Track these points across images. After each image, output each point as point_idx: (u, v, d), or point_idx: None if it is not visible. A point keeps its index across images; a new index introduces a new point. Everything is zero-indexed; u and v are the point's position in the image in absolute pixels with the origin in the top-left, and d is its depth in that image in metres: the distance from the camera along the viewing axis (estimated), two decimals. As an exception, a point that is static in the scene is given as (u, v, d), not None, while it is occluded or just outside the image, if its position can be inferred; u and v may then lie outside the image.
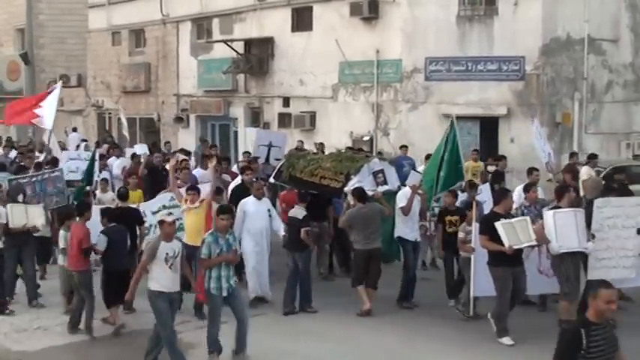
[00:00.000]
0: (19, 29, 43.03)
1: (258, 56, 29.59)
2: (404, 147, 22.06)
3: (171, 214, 11.02)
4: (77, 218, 12.29)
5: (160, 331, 10.22)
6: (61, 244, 12.55)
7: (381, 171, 14.93)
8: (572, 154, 20.82)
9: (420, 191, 13.88)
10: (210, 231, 10.87)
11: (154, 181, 17.26)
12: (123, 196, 13.71)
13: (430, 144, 22.70)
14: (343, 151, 16.97)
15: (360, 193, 13.19)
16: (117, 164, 20.12)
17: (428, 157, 19.76)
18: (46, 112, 15.94)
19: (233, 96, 31.21)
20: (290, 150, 17.24)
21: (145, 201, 14.97)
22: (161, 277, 10.14)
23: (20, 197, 14.01)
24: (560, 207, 11.78)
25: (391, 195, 14.22)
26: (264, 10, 29.68)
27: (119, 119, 23.85)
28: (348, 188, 14.08)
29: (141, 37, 36.35)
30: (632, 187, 18.50)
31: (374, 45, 26.19)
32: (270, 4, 29.46)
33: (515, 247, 11.21)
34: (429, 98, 25.17)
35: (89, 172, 16.41)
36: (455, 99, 24.67)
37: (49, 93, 16.38)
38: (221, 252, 10.45)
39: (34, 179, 15.44)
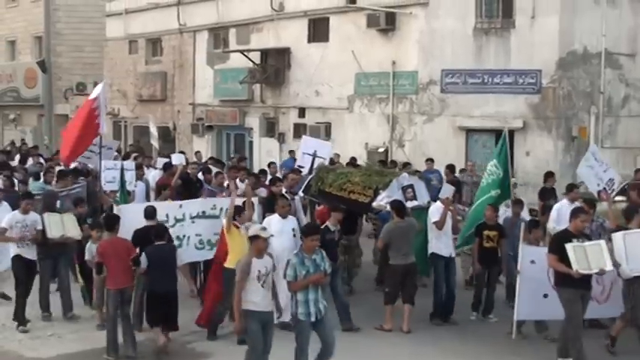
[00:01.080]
0: (36, 37, 43.32)
1: (274, 66, 29.68)
2: (429, 160, 21.80)
3: (264, 229, 10.04)
4: (107, 233, 11.71)
5: (248, 354, 9.79)
6: (87, 257, 12.34)
7: (411, 186, 14.77)
8: (638, 171, 20.33)
9: (451, 207, 13.59)
10: (295, 252, 10.17)
11: (187, 192, 16.38)
12: (150, 214, 12.60)
13: (445, 156, 22.85)
14: (371, 164, 16.96)
15: (398, 207, 13.04)
16: (152, 176, 19.52)
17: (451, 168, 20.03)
18: (102, 116, 15.48)
19: (249, 106, 31.28)
20: (319, 163, 16.76)
21: None
22: (253, 296, 9.59)
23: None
24: (628, 228, 11.36)
25: (421, 211, 14.02)
26: (281, 21, 29.77)
27: (149, 129, 23.47)
28: (376, 203, 14.05)
29: (157, 46, 36.51)
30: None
31: (390, 56, 26.23)
32: (287, 15, 29.55)
33: (583, 272, 10.56)
34: (444, 110, 25.16)
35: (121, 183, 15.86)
36: (471, 112, 24.66)
37: (94, 99, 15.71)
38: (307, 274, 9.74)
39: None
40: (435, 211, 13.46)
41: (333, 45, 27.97)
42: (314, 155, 18.10)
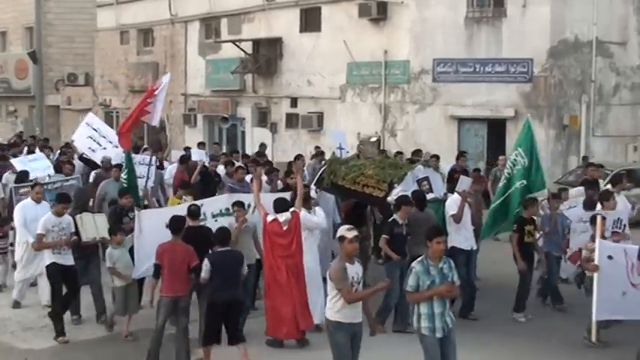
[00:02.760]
0: (27, 28, 43.14)
1: (266, 56, 29.64)
2: (463, 154, 20.77)
3: (351, 229, 8.92)
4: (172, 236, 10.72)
5: None
6: (108, 263, 11.63)
7: (426, 178, 14.57)
8: (588, 165, 19.65)
9: (469, 199, 13.14)
10: (419, 259, 8.94)
11: (206, 187, 16.03)
12: (193, 214, 11.60)
13: (437, 145, 22.89)
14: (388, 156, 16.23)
15: (419, 198, 12.75)
16: (168, 170, 19.01)
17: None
18: (157, 107, 15.06)
19: (241, 96, 31.25)
20: (332, 156, 16.13)
21: None
22: (343, 306, 8.64)
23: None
24: None
25: (438, 203, 13.69)
26: (273, 11, 29.73)
27: (164, 121, 23.15)
28: (391, 198, 13.57)
29: (149, 37, 36.43)
30: (637, 191, 18.74)
31: (382, 46, 26.23)
32: (279, 5, 29.52)
33: None
34: (436, 100, 25.20)
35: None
36: (462, 101, 24.72)
37: (155, 89, 15.38)
38: (432, 285, 8.72)
39: (44, 188, 14.38)
40: (453, 203, 13.03)
41: (324, 35, 27.95)
42: (340, 148, 17.97)
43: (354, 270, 8.65)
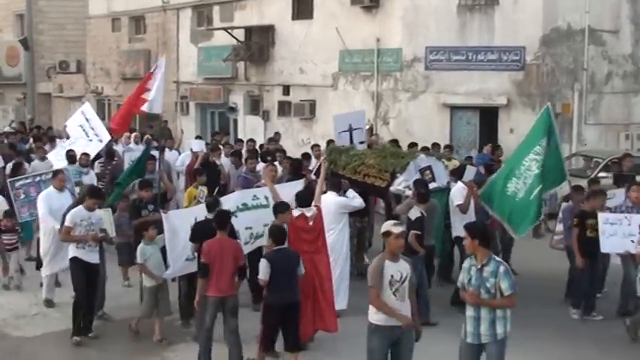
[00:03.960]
0: (18, 15, 42.92)
1: (258, 44, 29.54)
2: (498, 147, 20.73)
3: (398, 224, 8.47)
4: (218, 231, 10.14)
5: None
6: (140, 259, 11.25)
7: (429, 167, 14.25)
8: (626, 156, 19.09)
9: (475, 189, 12.97)
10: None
11: (209, 177, 15.69)
12: (211, 206, 11.25)
13: (429, 133, 22.90)
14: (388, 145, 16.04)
15: (423, 186, 12.51)
16: (181, 158, 19.13)
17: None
18: (156, 95, 14.35)
19: (233, 84, 31.18)
20: (332, 144, 15.98)
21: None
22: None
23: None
24: None
25: (441, 193, 13.55)
26: (265, -2, 29.71)
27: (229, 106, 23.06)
28: (394, 188, 13.39)
29: (141, 24, 36.30)
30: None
31: (374, 34, 26.17)
32: (271, -8, 29.48)
33: None
34: (428, 88, 25.18)
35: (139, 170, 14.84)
36: (455, 89, 24.69)
37: (152, 73, 15.07)
38: (469, 284, 8.26)
39: (37, 179, 14.28)
40: (458, 193, 12.93)
41: (317, 22, 27.86)
42: (350, 130, 17.00)
43: (397, 268, 8.12)
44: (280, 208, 10.85)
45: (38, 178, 14.33)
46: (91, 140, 18.45)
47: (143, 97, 14.45)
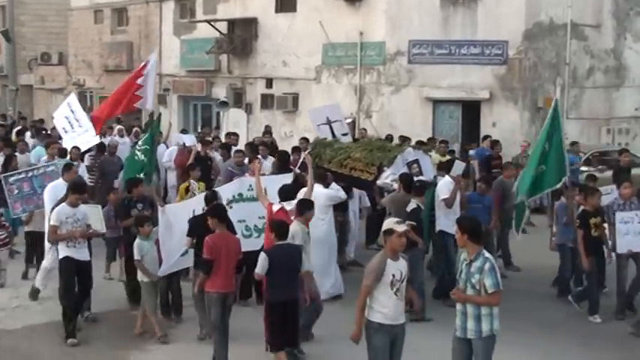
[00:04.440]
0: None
1: (241, 37, 29.45)
2: (497, 142, 20.78)
3: (400, 222, 8.26)
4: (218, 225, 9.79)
5: None
6: (137, 255, 10.90)
7: (416, 161, 14.21)
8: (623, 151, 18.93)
9: (462, 183, 12.94)
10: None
11: (202, 172, 15.38)
12: (209, 200, 10.95)
13: (412, 127, 22.92)
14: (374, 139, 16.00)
15: (408, 180, 12.48)
16: (167, 153, 18.81)
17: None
18: (148, 90, 14.31)
19: (215, 76, 31.07)
20: (315, 138, 15.78)
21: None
22: (384, 305, 7.99)
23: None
24: None
25: (427, 186, 13.35)
26: (248, -9, 29.61)
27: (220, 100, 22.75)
28: (381, 181, 13.36)
29: (123, 16, 36.07)
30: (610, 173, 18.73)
31: (357, 27, 26.16)
32: (254, -15, 29.39)
33: None
34: (411, 81, 25.19)
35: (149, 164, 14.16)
36: (438, 82, 24.72)
37: (143, 69, 14.80)
38: (459, 278, 8.21)
39: (30, 174, 13.94)
40: (444, 187, 12.83)
41: (300, 15, 27.80)
42: (329, 122, 16.91)
43: (397, 267, 7.99)
44: (306, 205, 10.61)
45: (31, 174, 14.04)
46: (75, 132, 18.32)
47: (136, 94, 14.30)
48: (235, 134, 21.68)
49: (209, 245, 9.52)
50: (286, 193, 11.27)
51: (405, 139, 18.65)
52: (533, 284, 13.95)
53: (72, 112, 18.84)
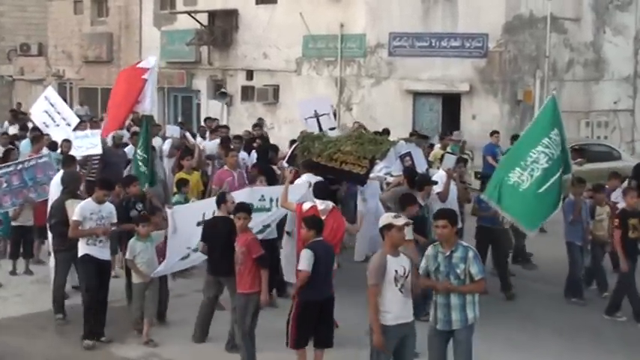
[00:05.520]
0: (-22, -4, 42.29)
1: (221, 28, 29.35)
2: (496, 133, 20.19)
3: (398, 216, 8.06)
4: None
5: None
6: (129, 255, 10.47)
7: (409, 154, 14.12)
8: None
9: (454, 176, 12.73)
10: (436, 242, 8.27)
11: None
12: (219, 202, 10.40)
13: (392, 119, 22.87)
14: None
15: (412, 174, 12.39)
16: (167, 142, 17.97)
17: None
18: (148, 94, 13.81)
19: (196, 68, 30.93)
20: (302, 131, 15.31)
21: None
22: (390, 304, 7.73)
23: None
24: None
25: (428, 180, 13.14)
26: (229, -18, 29.49)
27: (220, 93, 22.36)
28: (374, 174, 13.14)
29: (103, 7, 35.79)
30: (589, 166, 18.80)
31: (338, 19, 26.13)
32: (235, -24, 29.27)
33: None
34: (392, 74, 25.20)
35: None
36: (418, 75, 24.73)
37: (142, 73, 14.51)
38: (437, 271, 8.06)
39: (19, 167, 13.43)
40: (438, 180, 12.52)
41: (281, 7, 27.72)
42: (316, 116, 16.77)
43: (399, 263, 7.78)
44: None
45: (20, 166, 13.59)
46: (58, 125, 18.03)
47: (137, 99, 14.05)
48: (226, 127, 21.33)
49: (247, 245, 9.31)
50: (320, 190, 10.93)
51: (385, 132, 18.52)
52: (549, 284, 13.45)
53: (51, 105, 18.62)
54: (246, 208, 9.60)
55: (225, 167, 13.92)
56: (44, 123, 18.09)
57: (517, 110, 24.33)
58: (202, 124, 23.15)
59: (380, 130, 18.62)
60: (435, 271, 8.03)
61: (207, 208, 10.88)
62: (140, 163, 13.07)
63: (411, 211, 10.50)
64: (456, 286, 7.99)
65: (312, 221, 9.27)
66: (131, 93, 14.22)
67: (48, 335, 10.88)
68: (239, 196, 11.12)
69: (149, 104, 14.08)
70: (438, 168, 13.96)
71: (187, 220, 10.82)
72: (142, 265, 10.49)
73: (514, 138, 18.22)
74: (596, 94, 25.88)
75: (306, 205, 10.69)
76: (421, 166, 14.17)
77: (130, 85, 14.38)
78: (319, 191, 10.91)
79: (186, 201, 12.57)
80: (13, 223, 13.52)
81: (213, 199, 11.02)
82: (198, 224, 10.65)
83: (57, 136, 16.74)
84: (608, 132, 25.78)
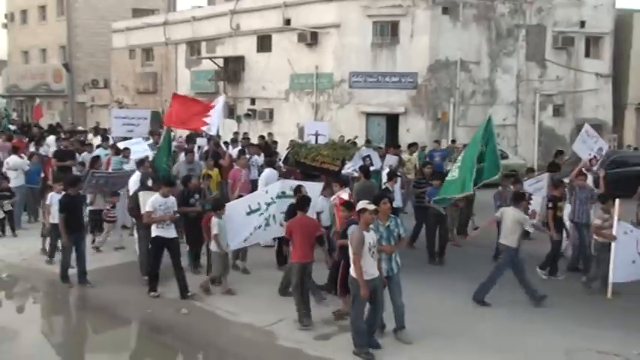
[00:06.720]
0: (61, 46, 41.84)
1: (233, 69, 29.29)
2: (437, 142, 20.51)
3: (371, 203, 7.88)
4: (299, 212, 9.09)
5: (351, 316, 7.90)
6: (215, 230, 9.93)
7: (369, 155, 14.25)
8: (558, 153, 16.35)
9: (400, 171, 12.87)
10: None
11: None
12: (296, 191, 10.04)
13: (352, 133, 22.80)
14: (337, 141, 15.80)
15: (366, 170, 12.43)
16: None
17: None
18: (214, 120, 13.41)
19: (215, 97, 30.76)
20: (291, 140, 15.26)
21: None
22: (367, 266, 7.66)
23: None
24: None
25: (376, 173, 13.70)
26: (238, 37, 29.35)
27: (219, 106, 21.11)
28: (344, 171, 13.00)
29: (150, 54, 35.68)
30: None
31: (314, 62, 26.17)
32: (242, 33, 29.13)
33: None
34: (351, 100, 25.29)
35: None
36: (369, 101, 24.84)
37: (214, 105, 13.63)
38: (380, 239, 8.00)
39: (111, 175, 13.19)
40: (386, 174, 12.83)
41: (274, 54, 27.71)
42: (316, 135, 16.52)
43: (370, 236, 7.67)
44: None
45: (112, 174, 13.39)
46: (138, 125, 16.93)
47: (204, 120, 13.47)
48: (247, 137, 20.75)
49: (287, 227, 9.11)
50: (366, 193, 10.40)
51: (354, 143, 18.50)
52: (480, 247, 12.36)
53: (123, 117, 17.52)
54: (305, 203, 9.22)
55: (236, 166, 13.60)
56: (128, 130, 16.99)
57: (437, 125, 24.51)
58: (232, 136, 22.25)
59: (348, 140, 18.91)
60: (379, 239, 7.94)
61: (252, 201, 10.66)
62: (165, 166, 12.96)
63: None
64: (397, 246, 8.17)
65: (346, 204, 9.33)
66: (195, 111, 13.67)
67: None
68: (277, 185, 10.96)
69: (215, 129, 13.73)
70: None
71: (238, 211, 10.47)
72: (222, 239, 10.04)
73: (436, 142, 20.11)
74: (492, 114, 25.95)
75: (343, 195, 10.64)
76: (377, 165, 14.31)
77: (196, 108, 13.86)
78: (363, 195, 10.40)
79: (209, 189, 12.17)
80: (89, 208, 12.85)
81: (252, 195, 10.96)
82: (248, 214, 10.39)
83: (133, 148, 15.56)
84: (500, 140, 25.90)
